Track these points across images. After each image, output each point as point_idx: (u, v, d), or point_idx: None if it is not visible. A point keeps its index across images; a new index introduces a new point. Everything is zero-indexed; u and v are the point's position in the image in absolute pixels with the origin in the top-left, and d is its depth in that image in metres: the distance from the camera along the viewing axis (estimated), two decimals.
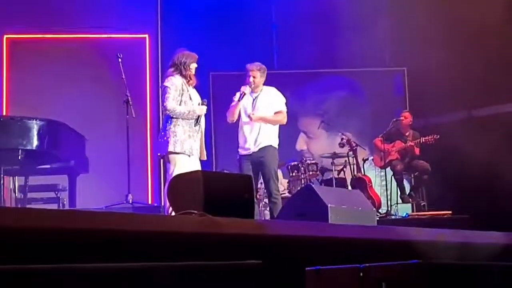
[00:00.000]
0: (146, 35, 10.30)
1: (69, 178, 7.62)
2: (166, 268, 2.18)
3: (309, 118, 10.47)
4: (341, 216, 5.44)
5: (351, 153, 9.22)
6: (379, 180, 9.34)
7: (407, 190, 9.14)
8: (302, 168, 9.14)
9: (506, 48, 8.99)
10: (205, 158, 6.26)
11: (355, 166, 9.22)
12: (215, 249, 2.93)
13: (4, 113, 9.46)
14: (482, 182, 8.68)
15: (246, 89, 6.82)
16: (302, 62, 10.41)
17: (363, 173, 9.25)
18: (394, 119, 9.11)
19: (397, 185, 9.08)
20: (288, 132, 8.25)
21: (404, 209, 8.67)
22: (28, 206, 7.29)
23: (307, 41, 10.08)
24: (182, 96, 6.11)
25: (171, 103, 6.03)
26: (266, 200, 7.63)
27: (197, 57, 6.29)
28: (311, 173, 9.18)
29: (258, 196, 8.14)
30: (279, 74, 9.90)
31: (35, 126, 6.59)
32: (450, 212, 8.07)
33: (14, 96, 9.75)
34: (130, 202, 7.35)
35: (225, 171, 8.41)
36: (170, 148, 5.98)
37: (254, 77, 6.87)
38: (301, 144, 10.55)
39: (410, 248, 3.57)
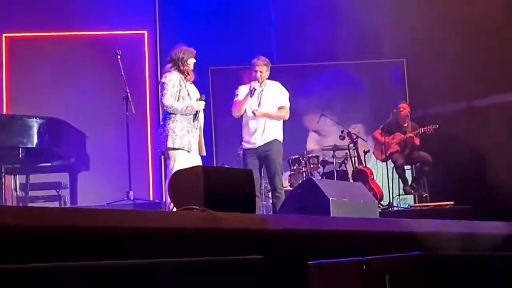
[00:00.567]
0: (145, 32, 10.29)
1: (70, 175, 7.61)
2: (169, 264, 2.18)
3: (311, 114, 10.38)
4: (342, 209, 5.43)
5: (351, 145, 9.20)
6: (381, 171, 9.30)
7: (409, 182, 9.14)
8: (303, 161, 9.10)
9: (505, 38, 8.98)
10: (204, 153, 6.24)
11: (356, 159, 9.20)
12: (217, 245, 2.93)
13: (4, 112, 9.46)
14: (483, 172, 8.69)
15: (256, 84, 6.78)
16: (302, 56, 10.39)
17: (364, 165, 9.24)
18: (394, 110, 9.11)
19: (399, 177, 9.07)
20: (288, 125, 8.21)
21: (406, 201, 8.66)
22: (29, 204, 7.29)
23: (306, 34, 10.06)
24: (180, 92, 6.09)
25: (169, 99, 6.02)
26: (269, 194, 7.59)
27: (195, 52, 6.26)
28: (312, 166, 9.13)
29: (261, 190, 8.11)
30: (279, 67, 9.87)
31: (35, 124, 6.58)
32: (452, 203, 8.06)
33: (13, 94, 9.74)
34: (131, 198, 7.35)
35: (225, 166, 8.42)
36: (169, 144, 5.97)
37: (261, 72, 6.82)
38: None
39: (413, 240, 3.57)
